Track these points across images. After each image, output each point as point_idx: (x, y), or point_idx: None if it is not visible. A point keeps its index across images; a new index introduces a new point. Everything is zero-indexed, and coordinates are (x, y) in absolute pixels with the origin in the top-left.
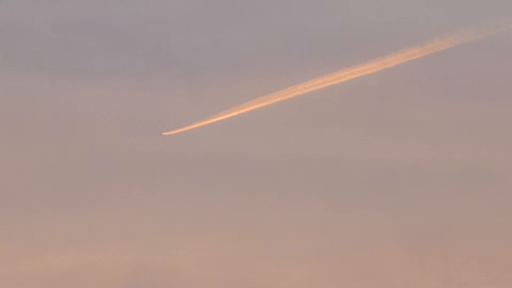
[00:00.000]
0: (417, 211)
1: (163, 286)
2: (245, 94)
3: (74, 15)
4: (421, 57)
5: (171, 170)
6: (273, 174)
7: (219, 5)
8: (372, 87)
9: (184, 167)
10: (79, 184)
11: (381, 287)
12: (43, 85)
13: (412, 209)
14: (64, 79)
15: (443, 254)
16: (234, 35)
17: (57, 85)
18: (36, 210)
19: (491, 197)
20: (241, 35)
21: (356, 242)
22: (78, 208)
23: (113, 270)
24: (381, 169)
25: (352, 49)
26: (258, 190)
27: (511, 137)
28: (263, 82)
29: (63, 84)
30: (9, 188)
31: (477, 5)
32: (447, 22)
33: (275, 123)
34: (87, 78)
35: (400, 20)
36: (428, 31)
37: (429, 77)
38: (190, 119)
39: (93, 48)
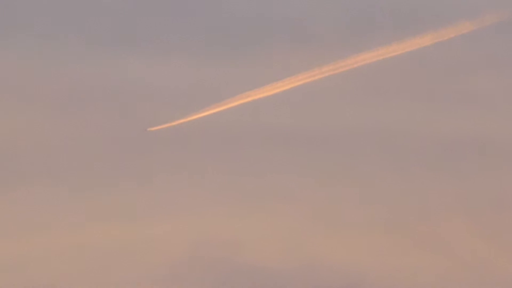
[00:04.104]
0: (482, 183)
1: (224, 259)
2: (300, 66)
3: None
4: (473, 31)
5: (231, 142)
6: (336, 147)
7: None
8: (429, 60)
9: (243, 139)
10: (137, 158)
11: (447, 259)
12: (102, 57)
13: (477, 181)
14: (128, 52)
15: (509, 226)
16: (292, 6)
17: (120, 57)
18: (94, 184)
19: None
20: (298, 7)
21: (422, 214)
22: (138, 182)
23: (174, 243)
24: (444, 142)
25: (402, 22)
26: (321, 163)
27: None
28: (317, 54)
29: (126, 57)
30: (69, 162)
31: None
32: None
33: (333, 95)
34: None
35: None
36: (478, 5)
37: (485, 50)
38: (247, 91)
39: (153, 21)
